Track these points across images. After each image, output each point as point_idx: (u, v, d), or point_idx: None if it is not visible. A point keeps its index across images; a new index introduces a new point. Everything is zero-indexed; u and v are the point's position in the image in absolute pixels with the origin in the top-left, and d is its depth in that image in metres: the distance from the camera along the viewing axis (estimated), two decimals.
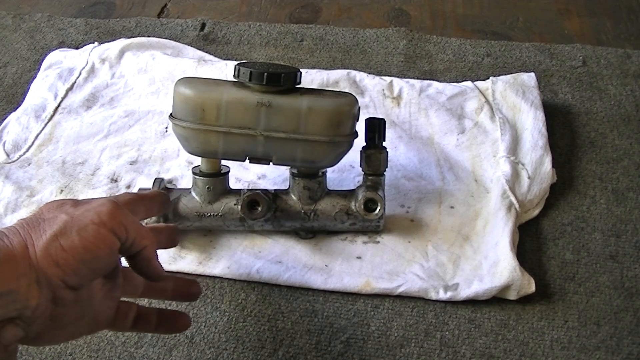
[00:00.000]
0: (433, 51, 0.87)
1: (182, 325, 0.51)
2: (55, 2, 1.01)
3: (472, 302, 0.58)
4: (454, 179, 0.68)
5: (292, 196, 0.61)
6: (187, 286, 0.53)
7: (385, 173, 0.62)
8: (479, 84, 0.77)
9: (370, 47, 0.88)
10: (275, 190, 0.62)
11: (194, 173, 0.61)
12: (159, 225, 0.58)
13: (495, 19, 0.94)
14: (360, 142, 0.61)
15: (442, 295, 0.58)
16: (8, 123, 0.76)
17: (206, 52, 0.86)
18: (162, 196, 0.55)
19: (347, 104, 0.57)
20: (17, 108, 0.78)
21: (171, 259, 0.61)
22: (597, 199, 0.67)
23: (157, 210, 0.55)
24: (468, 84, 0.78)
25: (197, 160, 0.62)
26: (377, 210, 0.60)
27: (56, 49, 0.86)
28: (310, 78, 0.78)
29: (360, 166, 0.62)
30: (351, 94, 0.58)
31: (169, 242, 0.56)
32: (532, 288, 0.57)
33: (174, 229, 0.56)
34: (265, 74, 0.54)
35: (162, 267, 0.46)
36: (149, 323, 0.49)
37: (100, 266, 0.41)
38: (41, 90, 0.79)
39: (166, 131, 0.75)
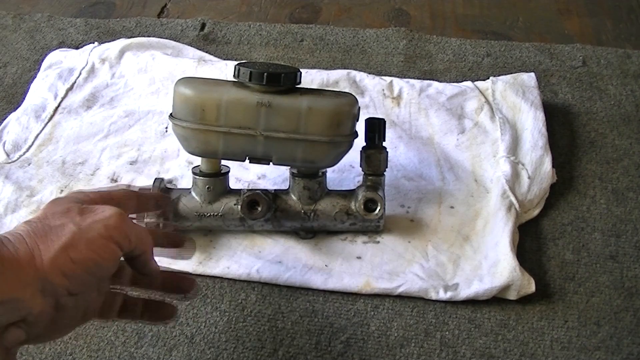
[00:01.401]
0: (433, 51, 0.87)
1: (167, 315, 0.50)
2: (55, 2, 1.01)
3: (472, 302, 0.58)
4: (454, 179, 0.68)
5: (292, 196, 0.61)
6: (178, 280, 0.52)
7: (385, 173, 0.62)
8: (479, 84, 0.77)
9: (370, 47, 0.88)
10: (275, 190, 0.62)
11: (194, 173, 0.61)
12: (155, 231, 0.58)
13: (495, 19, 0.94)
14: (360, 142, 0.61)
15: (442, 295, 0.58)
16: (8, 123, 0.76)
17: (206, 52, 0.86)
18: (162, 197, 0.56)
19: (347, 104, 0.57)
20: (17, 108, 0.78)
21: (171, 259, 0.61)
22: (597, 199, 0.67)
23: (152, 207, 0.56)
24: (468, 84, 0.78)
25: (197, 160, 0.62)
26: (377, 210, 0.60)
27: (56, 49, 0.86)
28: (310, 78, 0.78)
29: (360, 166, 0.62)
30: (351, 94, 0.58)
31: (171, 244, 0.55)
32: (532, 288, 0.57)
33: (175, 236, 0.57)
34: (265, 74, 0.54)
35: (157, 267, 0.48)
36: (135, 312, 0.49)
37: (102, 274, 0.42)
38: (41, 90, 0.79)
39: (166, 131, 0.75)
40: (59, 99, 0.78)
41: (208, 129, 0.56)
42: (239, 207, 0.60)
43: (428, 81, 0.78)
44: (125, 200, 0.49)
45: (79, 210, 0.42)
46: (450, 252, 0.62)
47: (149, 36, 0.88)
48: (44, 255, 0.38)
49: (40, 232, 0.39)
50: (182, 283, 0.52)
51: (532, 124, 0.71)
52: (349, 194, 0.62)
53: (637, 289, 0.59)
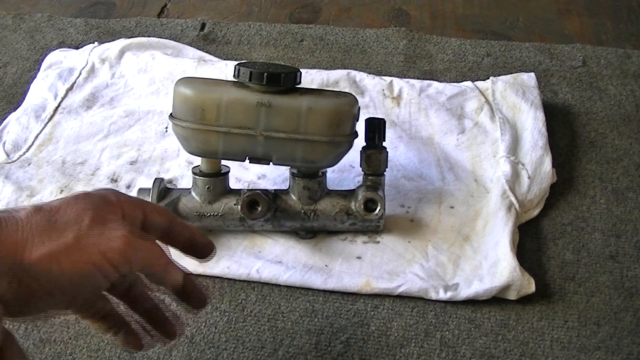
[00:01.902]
0: (433, 51, 0.87)
1: (143, 344, 0.47)
2: (55, 2, 1.01)
3: (472, 302, 0.58)
4: (454, 179, 0.68)
5: (292, 196, 0.61)
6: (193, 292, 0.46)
7: (385, 173, 0.62)
8: (479, 84, 0.77)
9: (370, 47, 0.88)
10: (275, 190, 0.62)
11: (194, 173, 0.61)
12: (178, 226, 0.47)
13: (495, 19, 0.94)
14: (360, 142, 0.61)
15: (442, 295, 0.58)
16: (8, 123, 0.76)
17: (206, 52, 0.86)
18: (200, 235, 0.48)
19: (347, 104, 0.57)
20: (17, 108, 0.78)
21: None
22: (597, 199, 0.67)
23: (184, 239, 0.47)
24: (468, 84, 0.78)
25: (197, 160, 0.62)
26: (377, 210, 0.60)
27: (56, 49, 0.86)
28: (310, 78, 0.78)
29: (360, 166, 0.62)
30: (351, 94, 0.58)
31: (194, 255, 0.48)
32: (532, 288, 0.57)
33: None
34: (265, 74, 0.54)
35: (177, 277, 0.43)
36: (115, 325, 0.46)
37: (89, 289, 0.40)
38: (41, 90, 0.79)
39: (166, 131, 0.75)
40: (59, 99, 0.78)
41: (208, 129, 0.56)
42: (239, 207, 0.60)
43: (428, 81, 0.78)
44: (155, 214, 0.44)
45: (92, 218, 0.40)
46: (450, 252, 0.62)
47: (149, 36, 0.88)
48: (35, 250, 0.37)
49: (42, 226, 0.38)
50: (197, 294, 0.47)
51: (532, 124, 0.71)
52: (349, 194, 0.62)
53: (637, 289, 0.59)
